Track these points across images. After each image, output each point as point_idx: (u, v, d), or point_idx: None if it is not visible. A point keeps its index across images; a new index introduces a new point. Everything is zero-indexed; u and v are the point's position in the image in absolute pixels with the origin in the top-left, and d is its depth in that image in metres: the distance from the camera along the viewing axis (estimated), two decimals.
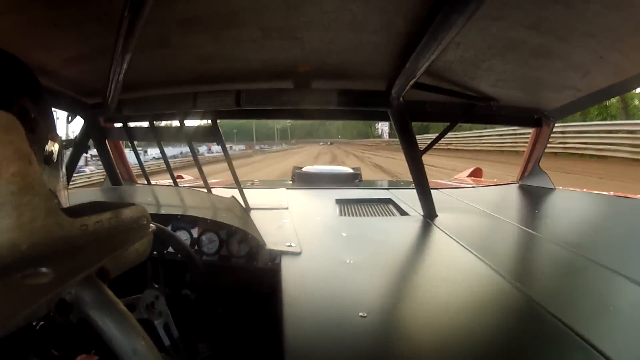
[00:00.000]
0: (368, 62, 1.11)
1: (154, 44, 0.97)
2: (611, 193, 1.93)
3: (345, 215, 1.53)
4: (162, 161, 1.65)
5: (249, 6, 0.83)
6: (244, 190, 1.52)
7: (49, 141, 0.44)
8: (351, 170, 3.01)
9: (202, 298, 0.94)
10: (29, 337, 0.41)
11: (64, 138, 1.46)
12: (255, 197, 1.61)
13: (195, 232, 1.17)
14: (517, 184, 2.15)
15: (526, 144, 2.10)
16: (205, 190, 1.57)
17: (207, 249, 1.16)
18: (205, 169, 1.59)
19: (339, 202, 1.71)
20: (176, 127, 1.45)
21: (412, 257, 1.14)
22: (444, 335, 0.66)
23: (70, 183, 1.69)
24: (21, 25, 0.80)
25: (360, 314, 0.69)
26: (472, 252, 1.02)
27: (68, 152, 1.54)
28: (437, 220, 1.38)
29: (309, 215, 1.49)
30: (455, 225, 1.33)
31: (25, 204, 0.30)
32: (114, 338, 0.33)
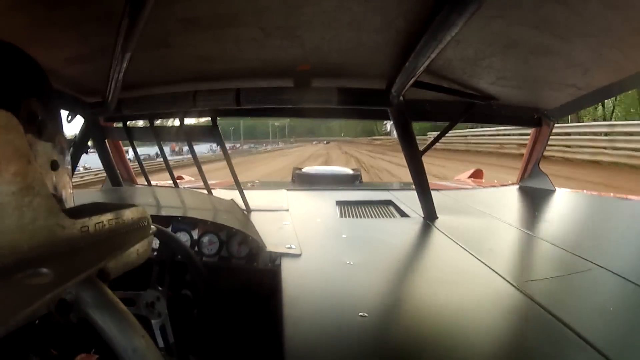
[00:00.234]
0: (368, 61, 1.11)
1: (154, 43, 0.97)
2: (611, 194, 1.93)
3: (345, 216, 1.53)
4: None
5: (249, 5, 0.83)
6: (245, 191, 1.51)
7: (56, 144, 0.44)
8: (351, 172, 3.01)
9: (202, 299, 0.94)
10: (29, 337, 0.41)
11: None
12: (255, 198, 1.61)
13: (195, 234, 1.17)
14: (517, 185, 2.15)
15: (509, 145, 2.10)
16: (205, 191, 1.57)
17: (207, 250, 1.16)
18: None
19: (339, 203, 1.71)
20: (176, 127, 1.45)
21: (412, 259, 1.14)
22: (444, 336, 0.66)
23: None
24: (21, 25, 0.80)
25: (361, 314, 0.69)
26: (472, 254, 1.02)
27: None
28: (438, 222, 1.38)
29: (309, 216, 1.49)
30: (455, 226, 1.33)
31: (26, 204, 0.29)
32: (114, 337, 0.33)
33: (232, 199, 1.33)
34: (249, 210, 1.49)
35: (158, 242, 0.94)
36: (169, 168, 1.68)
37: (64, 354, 0.47)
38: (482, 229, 1.38)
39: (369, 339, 0.64)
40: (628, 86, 1.38)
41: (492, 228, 1.38)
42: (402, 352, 0.61)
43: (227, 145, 1.60)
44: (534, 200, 1.90)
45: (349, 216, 1.54)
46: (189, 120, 1.47)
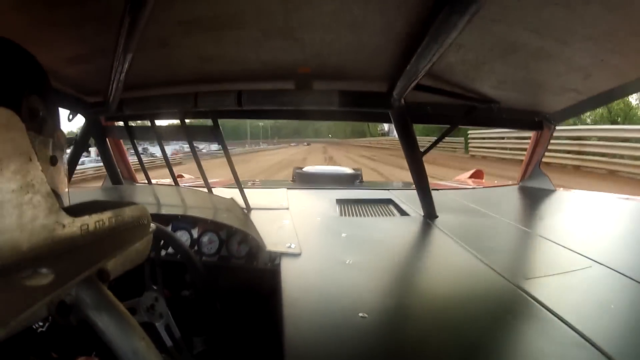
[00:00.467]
0: (369, 64, 1.11)
1: (155, 44, 0.97)
2: (611, 195, 1.93)
3: (345, 215, 1.53)
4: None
5: (250, 7, 0.83)
6: (245, 190, 1.52)
7: (55, 140, 0.44)
8: (352, 171, 3.01)
9: (201, 298, 0.94)
10: (29, 340, 0.41)
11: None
12: (255, 197, 1.61)
13: (195, 233, 1.17)
14: (517, 186, 2.15)
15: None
16: (205, 190, 1.57)
17: (207, 249, 1.16)
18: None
19: (340, 202, 1.71)
20: (177, 127, 1.45)
21: (413, 258, 1.14)
22: (444, 335, 0.66)
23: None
24: (22, 24, 0.80)
25: (361, 314, 0.69)
26: (472, 253, 1.02)
27: (68, 151, 1.54)
28: (438, 221, 1.38)
29: (309, 215, 1.49)
30: (455, 225, 1.33)
31: (26, 202, 0.29)
32: (114, 339, 0.33)
33: (232, 198, 1.33)
34: (249, 209, 1.49)
35: None
36: (169, 166, 1.68)
37: (64, 356, 0.47)
38: (482, 228, 1.38)
39: (368, 338, 0.64)
40: (629, 91, 1.37)
41: (493, 227, 1.38)
42: (402, 352, 0.61)
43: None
44: (534, 199, 1.91)
45: (349, 215, 1.54)
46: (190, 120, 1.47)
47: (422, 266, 1.06)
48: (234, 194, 1.46)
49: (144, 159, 1.66)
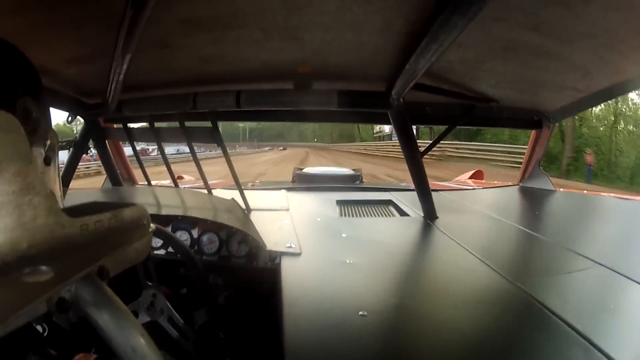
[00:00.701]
0: (368, 63, 1.11)
1: (155, 45, 0.97)
2: (612, 195, 1.94)
3: (345, 216, 1.53)
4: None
5: (249, 7, 0.83)
6: (245, 191, 1.52)
7: (48, 141, 0.44)
8: (352, 172, 3.01)
9: (201, 298, 0.94)
10: (27, 336, 0.41)
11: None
12: (255, 198, 1.61)
13: (195, 233, 1.18)
14: (517, 186, 2.15)
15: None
16: (205, 191, 1.57)
17: (207, 249, 1.16)
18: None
19: (340, 203, 1.71)
20: (176, 128, 1.45)
21: (412, 258, 1.14)
22: (444, 334, 0.66)
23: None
24: (21, 25, 0.80)
25: (360, 313, 0.69)
26: (472, 253, 1.02)
27: (67, 153, 1.54)
28: (438, 222, 1.38)
29: (309, 216, 1.49)
30: (455, 226, 1.33)
31: (26, 203, 0.30)
32: (113, 336, 0.33)
33: (232, 199, 1.33)
34: (249, 209, 1.49)
35: None
36: (169, 168, 1.68)
37: (63, 353, 0.47)
38: (482, 229, 1.38)
39: (368, 337, 0.64)
40: (628, 88, 1.38)
41: (493, 228, 1.39)
42: (401, 351, 0.61)
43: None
44: (534, 200, 1.91)
45: (349, 215, 1.54)
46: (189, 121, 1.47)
47: (421, 266, 1.06)
48: (233, 195, 1.46)
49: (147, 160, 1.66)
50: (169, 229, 1.15)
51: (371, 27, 0.89)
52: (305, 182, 2.75)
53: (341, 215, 1.53)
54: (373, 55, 1.03)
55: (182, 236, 1.16)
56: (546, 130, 1.83)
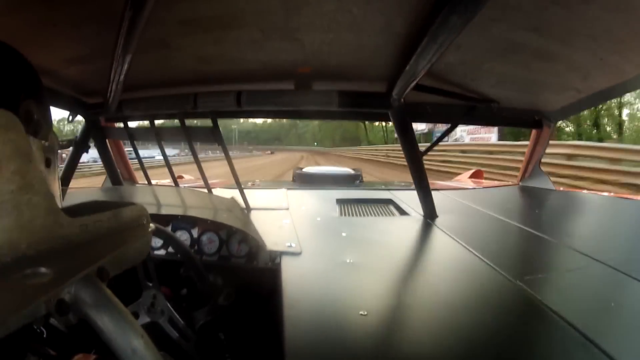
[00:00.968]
0: (368, 64, 1.11)
1: (155, 45, 0.97)
2: (611, 194, 1.94)
3: (345, 215, 1.53)
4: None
5: (249, 7, 0.83)
6: (245, 190, 1.52)
7: (49, 142, 0.45)
8: (352, 171, 3.01)
9: (201, 298, 0.94)
10: (26, 336, 0.41)
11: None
12: (255, 197, 1.61)
13: (195, 233, 1.18)
14: (517, 186, 2.15)
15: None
16: (205, 190, 1.57)
17: (207, 249, 1.16)
18: None
19: (340, 202, 1.71)
20: (177, 128, 1.45)
21: (413, 257, 1.14)
22: (444, 333, 0.66)
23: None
24: (21, 25, 0.80)
25: (361, 312, 0.69)
26: (472, 252, 1.02)
27: (67, 152, 1.54)
28: (438, 221, 1.38)
29: (309, 215, 1.49)
30: (455, 225, 1.33)
31: (25, 202, 0.30)
32: (112, 337, 0.33)
33: (232, 198, 1.33)
34: (249, 209, 1.49)
35: None
36: (169, 167, 1.68)
37: (63, 353, 0.47)
38: (482, 228, 1.38)
39: (369, 337, 0.64)
40: (628, 88, 1.38)
41: (493, 227, 1.39)
42: (402, 350, 0.61)
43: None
44: (534, 199, 1.91)
45: (350, 215, 1.54)
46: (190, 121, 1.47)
47: (422, 265, 1.06)
48: (233, 194, 1.46)
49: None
50: (168, 229, 1.15)
51: (371, 28, 0.89)
52: (305, 182, 2.75)
53: (341, 214, 1.53)
54: (373, 56, 1.03)
55: (182, 236, 1.16)
56: (547, 129, 1.82)
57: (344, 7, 0.80)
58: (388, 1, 0.78)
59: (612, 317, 0.70)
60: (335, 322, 0.68)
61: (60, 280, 0.30)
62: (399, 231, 1.31)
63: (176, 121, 1.41)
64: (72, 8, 0.77)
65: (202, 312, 0.92)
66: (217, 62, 1.12)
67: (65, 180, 1.47)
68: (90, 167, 11.92)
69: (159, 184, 2.06)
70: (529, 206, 1.89)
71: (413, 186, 1.47)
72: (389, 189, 2.10)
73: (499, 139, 12.09)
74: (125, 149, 2.05)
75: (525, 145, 2.06)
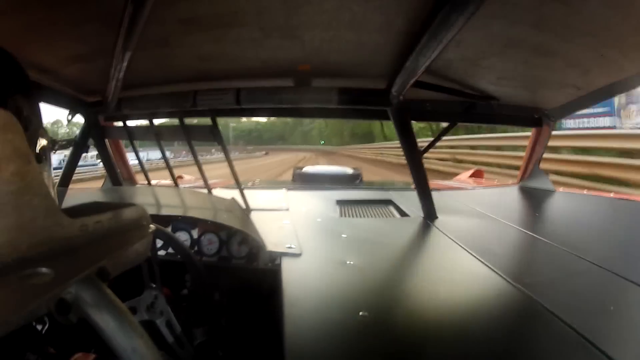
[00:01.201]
0: (368, 61, 1.11)
1: (155, 43, 0.97)
2: (612, 195, 1.93)
3: (345, 216, 1.53)
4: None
5: (249, 5, 0.83)
6: (245, 190, 1.51)
7: (40, 138, 0.44)
8: (352, 171, 3.01)
9: (201, 294, 0.94)
10: (26, 335, 0.41)
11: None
12: (255, 197, 1.61)
13: (195, 233, 1.17)
14: (517, 186, 2.15)
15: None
16: (205, 190, 1.57)
17: (207, 250, 1.16)
18: None
19: (340, 203, 1.71)
20: (176, 127, 1.45)
21: (412, 258, 1.14)
22: (444, 334, 0.66)
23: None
24: (21, 24, 0.80)
25: (361, 313, 0.69)
26: (472, 254, 1.02)
27: (67, 152, 1.54)
28: (438, 222, 1.38)
29: (309, 216, 1.49)
30: (455, 226, 1.33)
31: (25, 203, 0.29)
32: (113, 337, 0.33)
33: (232, 198, 1.33)
34: (249, 209, 1.49)
35: None
36: (169, 167, 1.68)
37: (62, 352, 0.47)
38: (482, 229, 1.38)
39: (369, 337, 0.64)
40: (629, 86, 1.38)
41: (492, 228, 1.38)
42: (402, 351, 0.61)
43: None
44: (534, 200, 1.90)
45: (349, 216, 1.54)
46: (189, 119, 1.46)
47: (421, 266, 1.06)
48: (233, 194, 1.46)
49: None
50: (169, 230, 1.15)
51: (370, 25, 0.89)
52: (305, 181, 2.75)
53: (341, 215, 1.53)
54: (373, 53, 1.03)
55: (182, 237, 1.16)
56: (547, 128, 1.82)
57: (344, 4, 0.80)
58: None
59: (611, 320, 0.69)
60: (336, 322, 0.68)
61: (60, 281, 0.30)
62: (398, 232, 1.31)
63: (176, 120, 1.41)
64: (71, 7, 0.77)
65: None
66: (216, 60, 1.12)
67: (65, 180, 1.47)
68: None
69: (159, 184, 2.06)
70: (529, 207, 1.89)
71: (413, 186, 1.47)
72: (388, 190, 2.10)
73: None
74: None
75: None
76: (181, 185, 1.83)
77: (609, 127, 7.37)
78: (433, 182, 1.73)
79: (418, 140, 1.39)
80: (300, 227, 1.26)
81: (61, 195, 1.32)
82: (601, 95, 1.40)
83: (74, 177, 1.52)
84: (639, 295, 0.79)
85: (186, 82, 1.29)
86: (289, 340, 0.61)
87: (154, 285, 0.90)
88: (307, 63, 1.13)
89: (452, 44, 0.86)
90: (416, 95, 1.33)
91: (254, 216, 1.42)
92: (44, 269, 0.29)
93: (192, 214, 1.21)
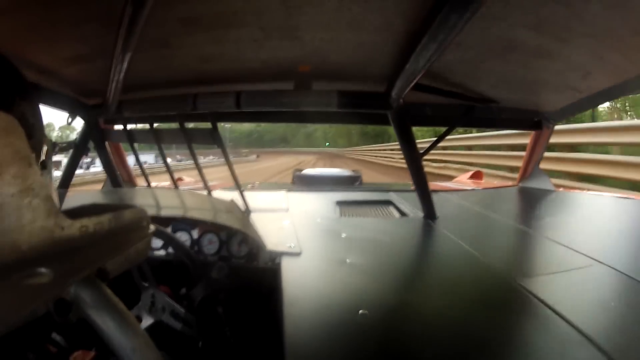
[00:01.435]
0: (368, 63, 1.11)
1: (155, 44, 0.97)
2: (611, 195, 1.94)
3: (345, 216, 1.53)
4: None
5: (249, 6, 0.83)
6: (244, 192, 1.51)
7: (43, 145, 0.44)
8: (351, 173, 3.02)
9: (202, 298, 0.94)
10: (26, 334, 0.41)
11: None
12: (255, 199, 1.61)
13: (195, 234, 1.18)
14: (517, 186, 2.15)
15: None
16: (205, 192, 1.57)
17: (207, 250, 1.16)
18: None
19: (339, 204, 1.71)
20: (176, 129, 1.45)
21: (412, 257, 1.14)
22: (445, 333, 0.66)
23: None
24: (21, 25, 0.80)
25: (361, 312, 0.69)
26: (472, 252, 1.02)
27: (67, 155, 1.54)
28: (438, 222, 1.38)
29: (309, 217, 1.49)
30: (455, 226, 1.33)
31: (26, 205, 0.29)
32: (113, 337, 0.33)
33: (232, 199, 1.33)
34: (248, 210, 1.49)
35: None
36: (169, 169, 1.68)
37: (62, 351, 0.47)
38: (482, 228, 1.38)
39: (369, 336, 0.64)
40: (629, 89, 1.38)
41: (493, 227, 1.39)
42: (402, 350, 0.61)
43: None
44: (534, 200, 1.91)
45: (349, 216, 1.54)
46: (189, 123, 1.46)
47: (422, 265, 1.06)
48: (233, 196, 1.46)
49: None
50: (169, 230, 1.15)
51: (370, 26, 0.89)
52: (304, 183, 2.75)
53: (341, 215, 1.53)
54: (372, 54, 1.03)
55: (182, 237, 1.16)
56: (546, 131, 1.83)
57: (343, 5, 0.80)
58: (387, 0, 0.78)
59: (611, 316, 0.70)
60: (336, 320, 0.68)
61: (60, 281, 0.30)
62: (398, 232, 1.31)
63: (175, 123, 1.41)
64: (70, 8, 0.77)
65: (199, 288, 0.92)
66: (217, 61, 1.12)
67: (65, 182, 1.47)
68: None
69: (159, 185, 2.06)
70: (529, 207, 1.90)
71: (413, 187, 1.47)
72: (388, 190, 2.10)
73: None
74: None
75: None
76: (181, 187, 1.83)
77: None
78: (433, 184, 1.73)
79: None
80: (300, 227, 1.26)
81: (61, 197, 1.32)
82: (601, 97, 1.41)
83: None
84: (639, 291, 0.79)
85: (186, 85, 1.29)
86: (288, 338, 0.61)
87: (147, 284, 0.90)
88: (307, 64, 1.13)
89: (452, 46, 0.87)
90: (416, 98, 1.33)
91: (254, 217, 1.42)
92: (43, 270, 0.29)
93: (192, 215, 1.22)
